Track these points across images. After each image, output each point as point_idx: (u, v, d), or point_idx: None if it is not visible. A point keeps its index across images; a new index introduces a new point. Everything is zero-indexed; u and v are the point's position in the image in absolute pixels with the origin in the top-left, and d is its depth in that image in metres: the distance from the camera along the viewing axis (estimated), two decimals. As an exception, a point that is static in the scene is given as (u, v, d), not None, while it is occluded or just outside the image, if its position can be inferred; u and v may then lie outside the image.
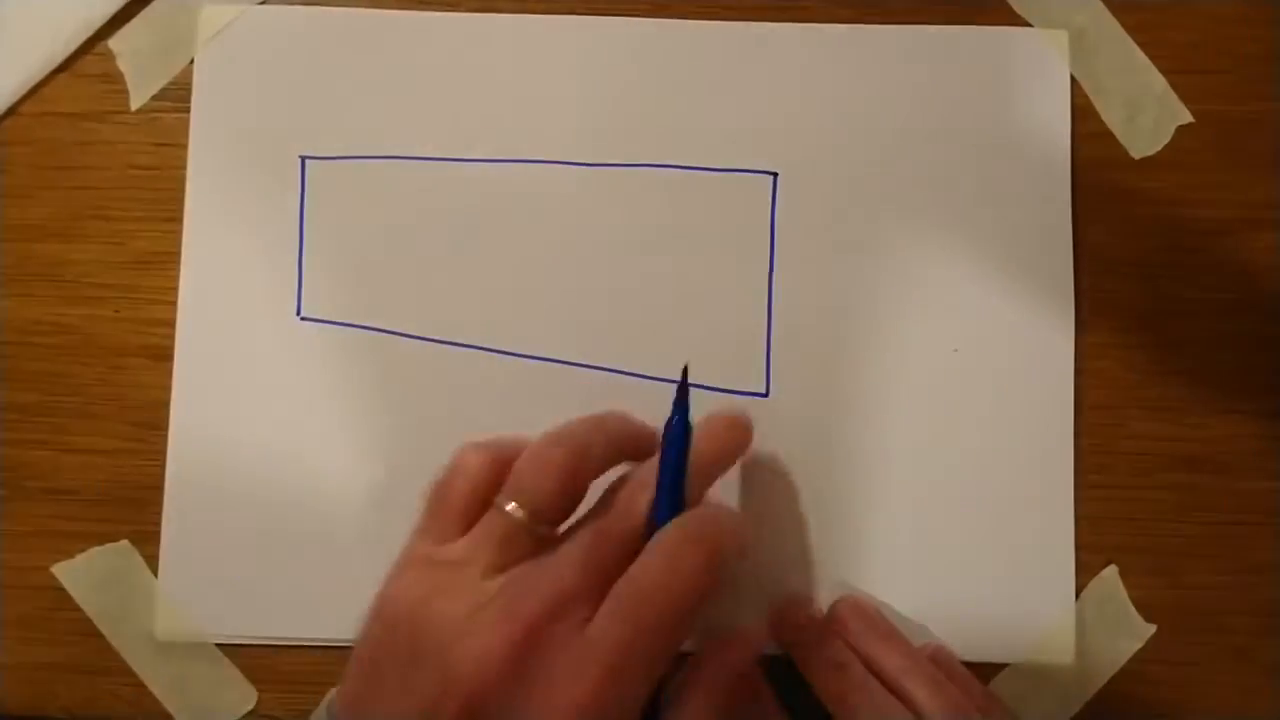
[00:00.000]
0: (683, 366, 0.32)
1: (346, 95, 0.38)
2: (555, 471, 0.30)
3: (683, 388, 0.31)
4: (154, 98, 0.38)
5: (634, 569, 0.28)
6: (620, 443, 0.32)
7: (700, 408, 0.37)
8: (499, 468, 0.30)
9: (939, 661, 0.35)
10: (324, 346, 0.37)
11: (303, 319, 0.38)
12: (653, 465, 0.31)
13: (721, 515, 0.31)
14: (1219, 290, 0.38)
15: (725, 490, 0.37)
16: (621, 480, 0.31)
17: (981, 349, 0.38)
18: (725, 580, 0.29)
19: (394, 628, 0.29)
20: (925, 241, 0.38)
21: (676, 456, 0.30)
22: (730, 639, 0.32)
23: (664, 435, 0.31)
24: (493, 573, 0.29)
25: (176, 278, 0.38)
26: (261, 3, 0.38)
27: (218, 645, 0.37)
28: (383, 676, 0.29)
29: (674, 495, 0.30)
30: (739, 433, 0.33)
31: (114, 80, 0.38)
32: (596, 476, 0.31)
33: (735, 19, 0.38)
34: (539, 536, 0.29)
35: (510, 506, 0.29)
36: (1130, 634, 0.37)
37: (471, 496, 0.30)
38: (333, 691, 0.31)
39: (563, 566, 0.28)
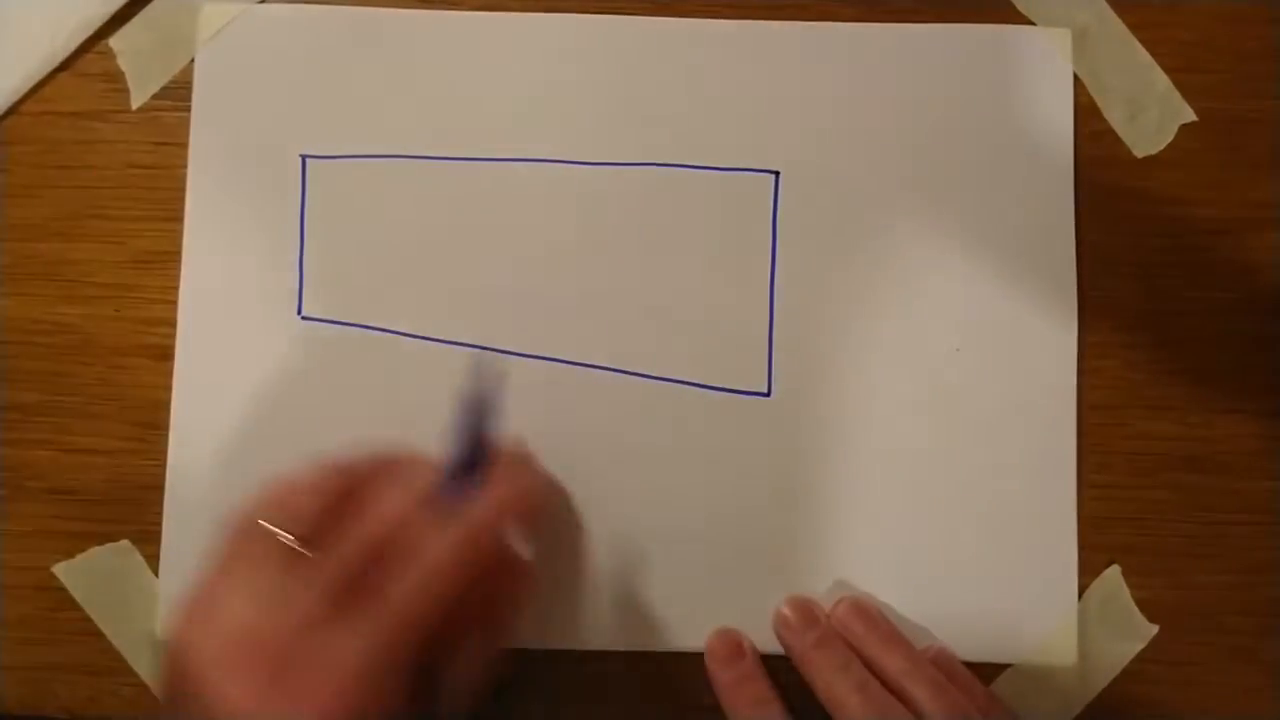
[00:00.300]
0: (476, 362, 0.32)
1: (347, 94, 0.38)
2: (316, 496, 0.30)
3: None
4: (154, 96, 0.38)
5: (387, 581, 0.28)
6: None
7: (702, 407, 0.37)
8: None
9: (941, 664, 0.35)
10: (324, 346, 0.37)
11: (303, 318, 0.37)
12: (411, 465, 0.31)
13: (501, 497, 0.31)
14: (1221, 289, 0.38)
15: (730, 487, 0.37)
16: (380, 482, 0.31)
17: (983, 348, 0.37)
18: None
19: (174, 654, 0.29)
20: (927, 240, 0.38)
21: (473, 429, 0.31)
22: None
23: (463, 406, 0.31)
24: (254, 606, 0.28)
25: (177, 277, 0.37)
26: (262, 1, 0.38)
27: (218, 645, 0.37)
28: (172, 704, 0.29)
29: (471, 459, 0.31)
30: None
31: (114, 79, 0.38)
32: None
33: (737, 18, 0.38)
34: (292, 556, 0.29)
35: (273, 528, 0.29)
36: (1133, 634, 0.37)
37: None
38: None
39: (310, 588, 0.28)
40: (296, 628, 0.28)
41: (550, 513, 0.36)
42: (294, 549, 0.29)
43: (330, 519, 0.30)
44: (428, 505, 0.30)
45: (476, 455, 0.31)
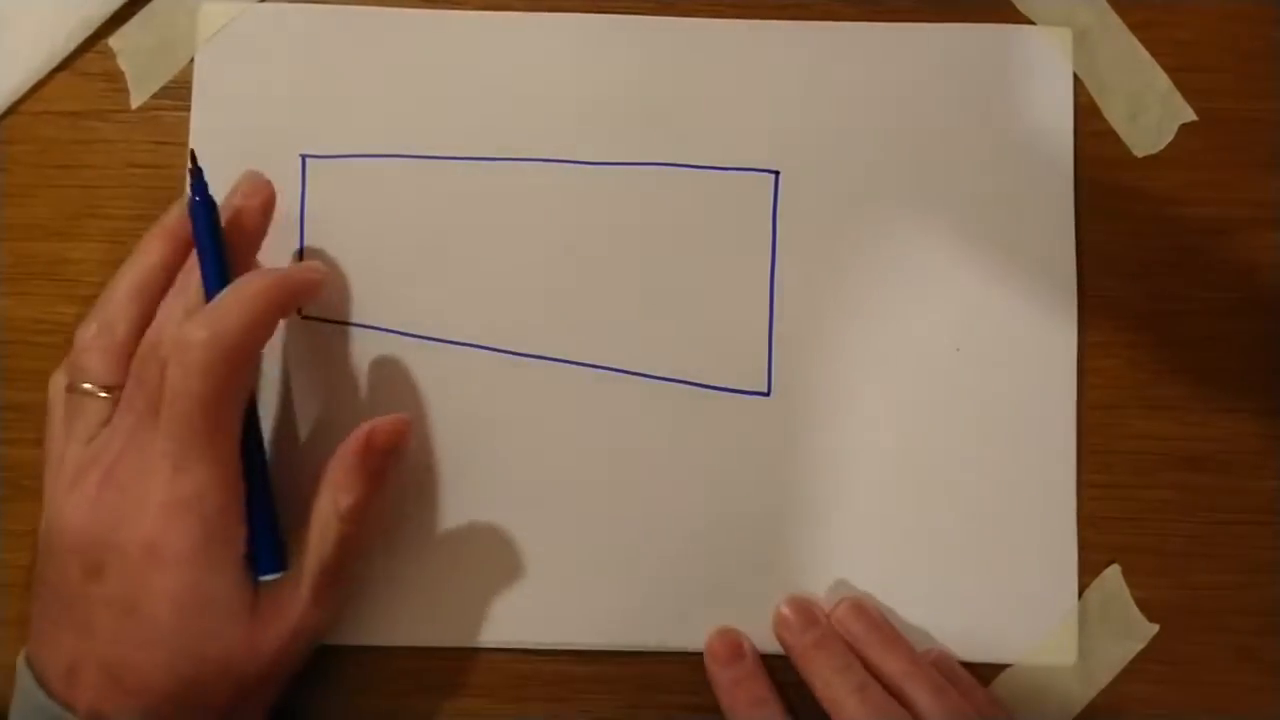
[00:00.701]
0: (189, 152, 0.34)
1: (347, 93, 0.38)
2: (100, 351, 0.33)
3: (194, 169, 0.34)
4: (154, 96, 0.38)
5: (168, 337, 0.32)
6: (155, 277, 0.34)
7: (701, 407, 0.37)
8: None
9: (941, 667, 0.35)
10: (325, 345, 0.37)
11: (304, 317, 0.37)
12: (180, 283, 0.34)
13: (266, 272, 0.33)
14: (1222, 289, 0.38)
15: (729, 486, 0.37)
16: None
17: (983, 348, 0.37)
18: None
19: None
20: (927, 240, 0.38)
21: (208, 231, 0.33)
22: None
23: (190, 215, 0.33)
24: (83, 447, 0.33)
25: (177, 277, 0.37)
26: (262, 1, 0.38)
27: (218, 645, 0.37)
28: (40, 597, 0.33)
29: (218, 268, 0.33)
30: (262, 189, 0.35)
31: (114, 78, 0.38)
32: (144, 323, 0.33)
33: (737, 17, 0.38)
34: (112, 399, 0.33)
35: (85, 387, 0.33)
36: (1133, 634, 0.37)
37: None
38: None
39: (118, 416, 0.32)
40: (119, 447, 0.31)
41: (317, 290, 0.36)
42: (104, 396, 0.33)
43: (120, 363, 0.33)
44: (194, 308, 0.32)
45: (217, 261, 0.33)
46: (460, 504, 0.37)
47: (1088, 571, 0.37)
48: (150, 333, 0.33)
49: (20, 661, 0.32)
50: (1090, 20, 0.39)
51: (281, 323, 0.37)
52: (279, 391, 0.37)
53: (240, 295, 0.32)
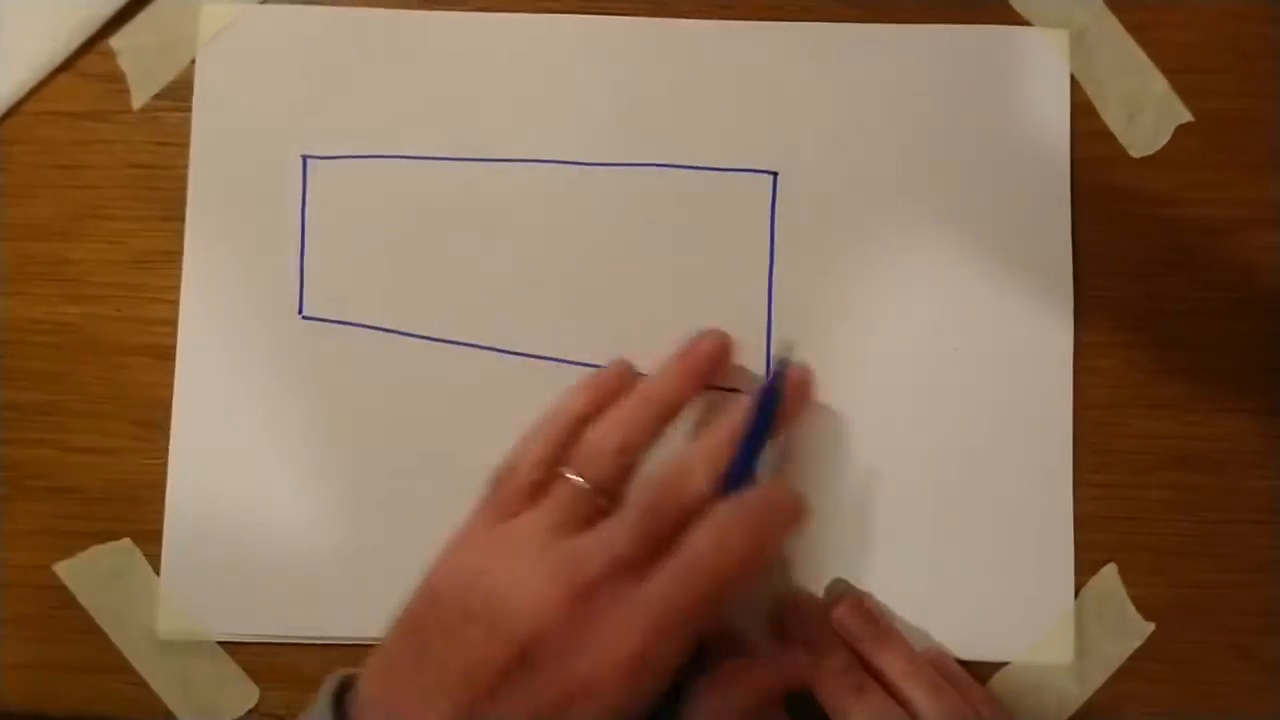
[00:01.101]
0: (779, 346, 0.35)
1: (348, 94, 0.38)
2: (613, 450, 0.32)
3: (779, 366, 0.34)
4: (155, 97, 0.38)
5: (688, 542, 0.30)
6: (671, 413, 0.34)
7: (702, 407, 0.37)
8: (558, 452, 0.33)
9: (939, 666, 0.35)
10: (325, 345, 0.37)
11: (304, 318, 0.38)
12: (711, 436, 0.33)
13: (776, 498, 0.32)
14: (1218, 289, 0.38)
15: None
16: (681, 454, 0.33)
17: (981, 348, 0.38)
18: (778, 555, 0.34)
19: (440, 595, 0.30)
20: (924, 241, 0.38)
21: (760, 427, 0.33)
22: (765, 662, 0.34)
23: (756, 401, 0.33)
24: (554, 537, 0.31)
25: (178, 276, 0.38)
26: (263, 2, 0.38)
27: (220, 643, 0.37)
28: (425, 644, 0.30)
29: (747, 464, 0.32)
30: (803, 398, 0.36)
31: (115, 79, 0.38)
32: (648, 449, 0.33)
33: (735, 18, 0.38)
34: (598, 508, 0.32)
35: (574, 477, 0.32)
36: (1129, 632, 0.37)
37: (536, 474, 0.32)
38: (330, 677, 0.31)
39: (618, 534, 0.30)
40: (605, 564, 0.29)
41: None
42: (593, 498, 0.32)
43: (623, 474, 0.32)
44: (717, 478, 0.32)
45: (757, 446, 0.33)
46: (460, 503, 0.37)
47: (1085, 570, 0.37)
48: (674, 472, 0.32)
49: (331, 687, 0.31)
50: (1087, 21, 0.39)
51: (282, 323, 0.37)
52: (279, 391, 0.37)
53: (775, 495, 0.32)
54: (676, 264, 0.38)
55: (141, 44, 0.38)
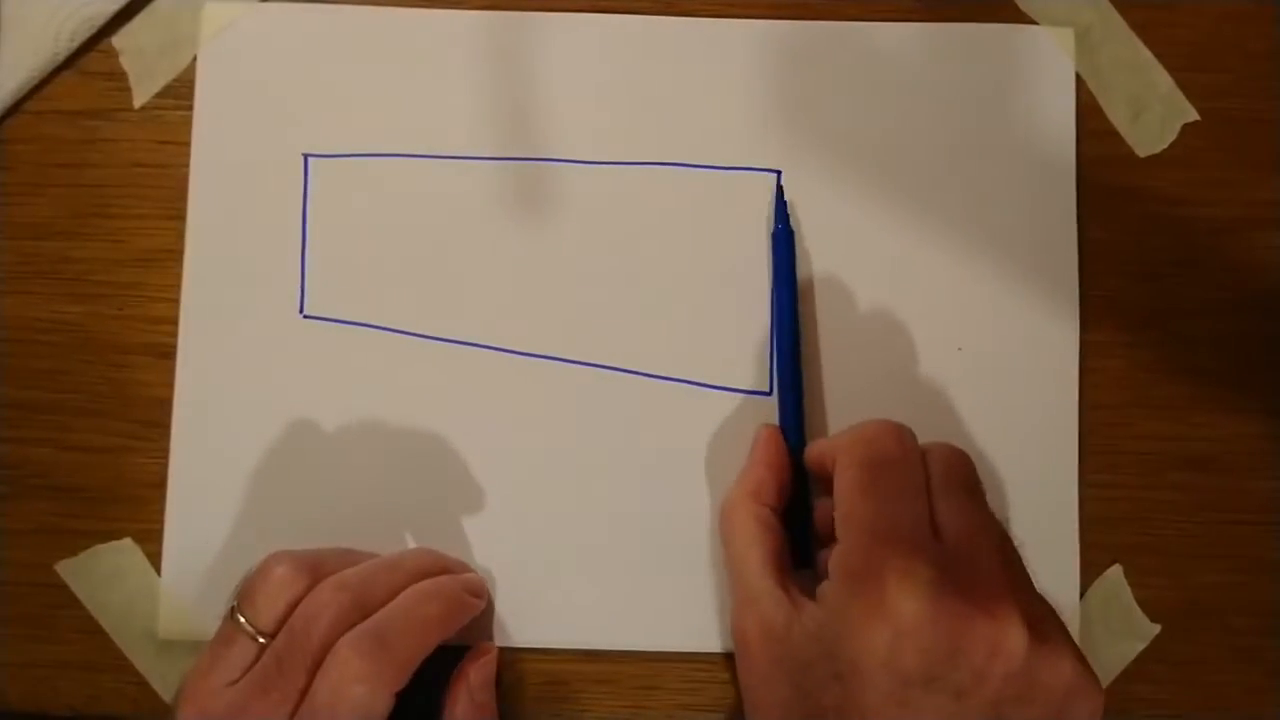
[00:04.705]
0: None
1: (349, 93, 0.38)
2: (330, 615, 0.32)
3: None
4: (157, 95, 0.38)
5: (312, 690, 0.31)
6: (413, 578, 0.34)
7: (702, 407, 0.37)
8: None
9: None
10: (326, 344, 0.37)
11: (305, 317, 0.37)
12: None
13: (406, 607, 0.33)
14: (1224, 289, 0.38)
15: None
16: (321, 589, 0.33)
17: (985, 348, 0.37)
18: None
19: None
20: (929, 239, 0.38)
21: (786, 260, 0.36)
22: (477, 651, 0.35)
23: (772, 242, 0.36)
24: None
25: (179, 275, 0.38)
26: (264, 0, 0.38)
27: (220, 643, 0.37)
28: None
29: (789, 303, 0.36)
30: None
31: (117, 78, 0.38)
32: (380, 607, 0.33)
33: (739, 16, 0.38)
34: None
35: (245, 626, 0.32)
36: (1135, 634, 0.37)
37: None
38: None
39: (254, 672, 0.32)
40: (230, 703, 0.31)
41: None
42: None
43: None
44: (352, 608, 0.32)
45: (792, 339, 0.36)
46: (460, 503, 0.37)
47: (1089, 571, 0.37)
48: (310, 603, 0.32)
49: None
50: (1092, 19, 0.38)
51: (283, 322, 0.37)
52: (279, 391, 0.37)
53: (409, 623, 0.32)
54: (679, 262, 0.38)
55: (143, 43, 0.38)
